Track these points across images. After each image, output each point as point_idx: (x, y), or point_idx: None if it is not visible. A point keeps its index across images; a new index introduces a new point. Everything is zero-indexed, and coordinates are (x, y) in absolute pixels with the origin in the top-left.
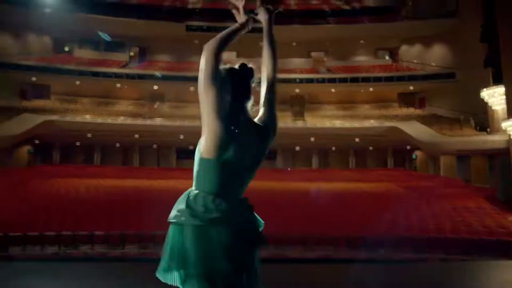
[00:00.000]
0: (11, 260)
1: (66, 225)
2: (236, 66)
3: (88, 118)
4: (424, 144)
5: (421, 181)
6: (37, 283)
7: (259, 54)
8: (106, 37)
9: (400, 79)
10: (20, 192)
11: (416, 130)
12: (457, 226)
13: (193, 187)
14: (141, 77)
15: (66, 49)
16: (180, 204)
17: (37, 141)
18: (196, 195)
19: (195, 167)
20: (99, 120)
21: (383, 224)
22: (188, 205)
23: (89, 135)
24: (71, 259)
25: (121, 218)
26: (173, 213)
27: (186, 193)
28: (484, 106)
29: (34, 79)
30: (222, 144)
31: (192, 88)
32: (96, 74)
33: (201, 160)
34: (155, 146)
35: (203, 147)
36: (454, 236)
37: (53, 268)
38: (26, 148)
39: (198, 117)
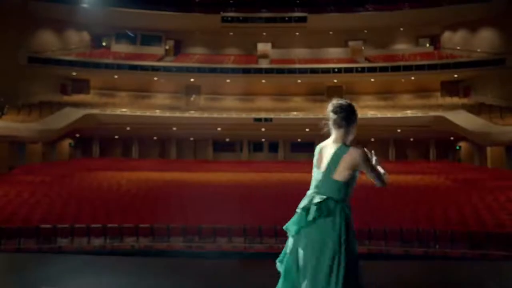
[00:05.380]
0: (60, 252)
1: (111, 218)
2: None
3: (126, 111)
4: (474, 134)
5: (469, 173)
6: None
7: (293, 45)
8: (131, 33)
9: (444, 66)
10: (66, 185)
11: (464, 119)
12: None
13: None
14: (177, 69)
15: (104, 44)
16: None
17: (78, 135)
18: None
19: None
20: (138, 113)
21: (435, 219)
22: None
23: (127, 128)
24: (117, 251)
25: (165, 211)
26: None
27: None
28: None
29: (74, 74)
30: None
31: (228, 80)
32: (133, 67)
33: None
34: (192, 139)
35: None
36: None
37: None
38: (67, 142)
39: (233, 109)
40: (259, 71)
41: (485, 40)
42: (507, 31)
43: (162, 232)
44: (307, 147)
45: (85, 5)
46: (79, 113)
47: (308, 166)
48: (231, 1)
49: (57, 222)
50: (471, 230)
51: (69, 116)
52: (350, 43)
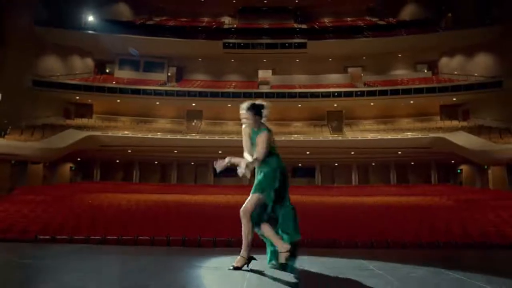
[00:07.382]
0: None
1: (110, 231)
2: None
3: (128, 133)
4: (475, 153)
5: (471, 194)
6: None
7: (294, 72)
8: (135, 53)
9: (443, 90)
10: (66, 203)
11: (464, 140)
12: None
13: None
14: (179, 94)
15: (107, 70)
16: None
17: (79, 159)
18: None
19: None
20: (139, 135)
21: (442, 233)
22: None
23: (129, 150)
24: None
25: (165, 225)
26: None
27: None
28: None
29: (77, 98)
30: None
31: (229, 105)
32: (135, 92)
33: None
34: (192, 163)
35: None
36: None
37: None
38: (68, 165)
39: (235, 132)
40: (260, 95)
41: (481, 65)
42: (503, 55)
43: (162, 243)
44: (308, 172)
45: (89, 32)
46: (81, 134)
47: (309, 190)
48: (232, 29)
49: (56, 235)
50: (475, 240)
51: (72, 136)
52: (350, 69)
